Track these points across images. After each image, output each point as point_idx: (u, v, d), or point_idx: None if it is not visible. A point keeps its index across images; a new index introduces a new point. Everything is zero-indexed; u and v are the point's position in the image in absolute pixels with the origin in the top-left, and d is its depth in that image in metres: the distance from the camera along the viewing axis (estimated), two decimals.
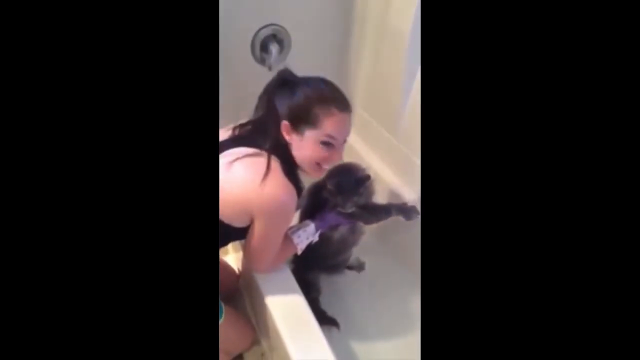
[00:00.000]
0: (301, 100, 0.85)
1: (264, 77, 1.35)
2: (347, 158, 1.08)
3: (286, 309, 0.95)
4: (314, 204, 1.09)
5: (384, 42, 1.34)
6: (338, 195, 1.02)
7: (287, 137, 0.88)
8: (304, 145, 0.87)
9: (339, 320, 1.22)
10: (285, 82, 0.88)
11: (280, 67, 0.91)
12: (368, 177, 1.04)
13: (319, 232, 1.03)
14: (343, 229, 1.15)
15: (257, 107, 0.92)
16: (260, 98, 0.91)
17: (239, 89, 1.37)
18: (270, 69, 1.34)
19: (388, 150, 1.43)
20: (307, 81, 0.88)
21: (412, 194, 1.33)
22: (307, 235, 1.00)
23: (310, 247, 1.10)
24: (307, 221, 1.03)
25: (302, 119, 0.85)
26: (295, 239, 0.98)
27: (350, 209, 1.03)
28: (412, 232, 1.28)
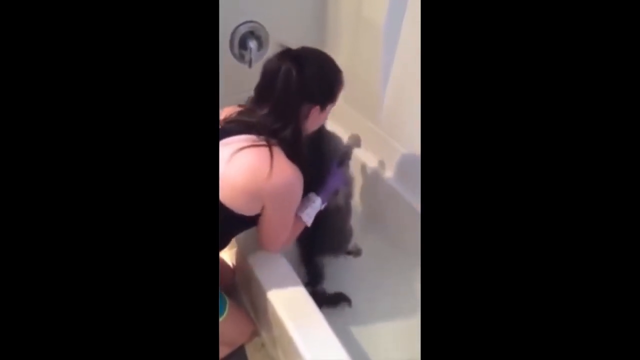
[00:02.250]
0: (327, 82, 0.91)
1: (243, 73, 1.39)
2: None
3: (287, 299, 0.97)
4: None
5: (359, 35, 1.38)
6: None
7: (305, 117, 0.89)
8: (321, 117, 0.94)
9: (340, 307, 1.25)
10: (294, 63, 0.85)
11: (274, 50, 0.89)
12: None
13: (325, 204, 1.06)
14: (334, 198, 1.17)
15: (262, 95, 0.88)
16: (267, 85, 0.87)
17: (219, 85, 1.39)
18: (250, 65, 1.35)
19: (368, 135, 1.47)
20: (310, 57, 0.89)
21: (392, 172, 1.41)
22: (315, 209, 1.03)
23: (313, 232, 1.12)
24: (312, 195, 1.03)
25: (329, 99, 0.93)
26: (305, 217, 1.01)
27: None
28: (406, 215, 1.33)
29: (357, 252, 1.41)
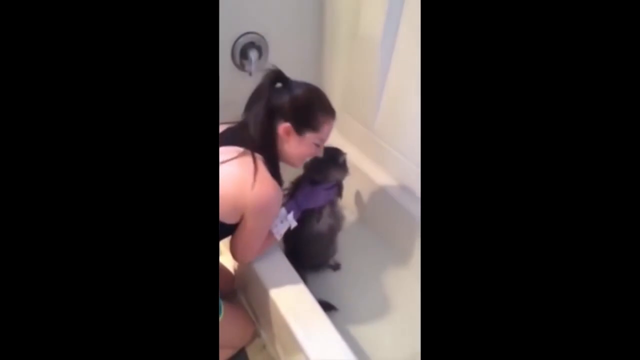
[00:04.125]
0: (304, 104, 0.94)
1: (244, 82, 1.43)
2: None
3: (290, 299, 0.98)
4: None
5: (356, 48, 1.43)
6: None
7: (283, 137, 0.95)
8: (301, 145, 0.97)
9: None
10: (278, 81, 0.94)
11: (265, 70, 0.94)
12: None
13: (292, 214, 1.08)
14: (327, 218, 1.21)
15: (247, 107, 0.95)
16: (252, 99, 0.95)
17: (221, 94, 1.43)
18: (250, 74, 1.40)
19: (364, 142, 1.53)
20: (301, 85, 0.95)
21: (387, 177, 1.45)
22: (281, 219, 1.06)
23: (302, 246, 1.16)
24: (283, 211, 1.07)
25: (305, 123, 0.94)
26: (273, 229, 1.04)
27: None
28: (402, 219, 1.37)
29: (336, 266, 1.43)
